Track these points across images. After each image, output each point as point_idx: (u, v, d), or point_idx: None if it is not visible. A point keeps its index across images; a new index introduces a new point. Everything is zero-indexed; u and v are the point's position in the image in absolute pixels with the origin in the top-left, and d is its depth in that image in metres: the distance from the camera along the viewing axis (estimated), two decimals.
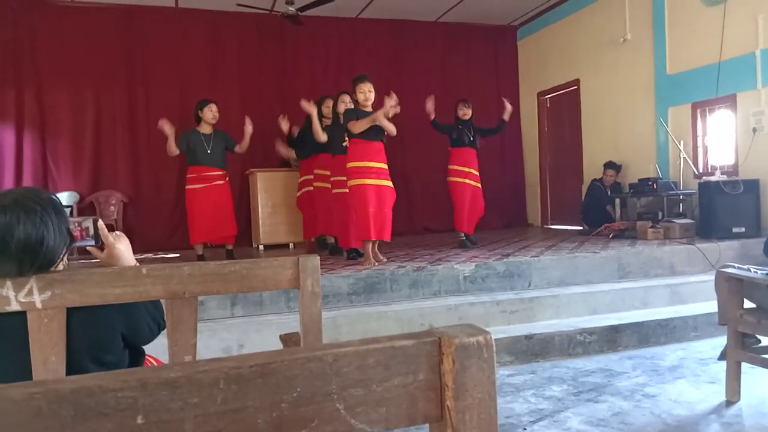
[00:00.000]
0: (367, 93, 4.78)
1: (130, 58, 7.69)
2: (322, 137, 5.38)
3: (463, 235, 6.08)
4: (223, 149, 5.83)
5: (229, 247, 6.01)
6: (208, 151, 5.67)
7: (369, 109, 4.86)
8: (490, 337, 0.64)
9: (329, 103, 5.68)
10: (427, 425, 0.66)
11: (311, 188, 6.04)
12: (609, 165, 7.19)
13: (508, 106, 6.15)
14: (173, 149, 5.60)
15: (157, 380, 0.55)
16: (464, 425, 0.63)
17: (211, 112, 5.70)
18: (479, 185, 6.02)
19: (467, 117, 6.01)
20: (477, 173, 6.01)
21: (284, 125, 6.05)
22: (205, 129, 5.73)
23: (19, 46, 7.26)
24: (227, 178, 5.93)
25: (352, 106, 5.14)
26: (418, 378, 0.64)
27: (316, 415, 0.60)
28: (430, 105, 5.82)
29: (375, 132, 4.83)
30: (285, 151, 6.31)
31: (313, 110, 5.37)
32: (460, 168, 5.96)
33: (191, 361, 1.48)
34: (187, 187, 5.79)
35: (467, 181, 5.95)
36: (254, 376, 0.58)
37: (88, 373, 0.58)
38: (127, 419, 0.54)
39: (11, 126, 7.24)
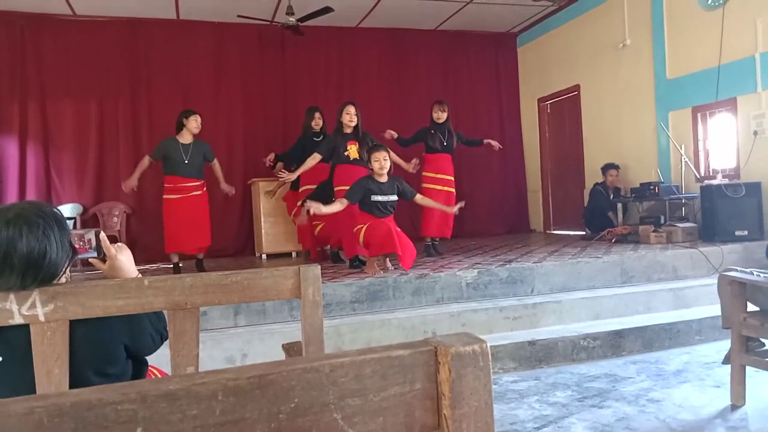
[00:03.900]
0: (382, 161, 4.78)
1: (133, 71, 7.73)
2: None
3: (429, 240, 6.03)
4: (202, 160, 5.75)
5: (200, 256, 5.93)
6: (186, 161, 5.59)
7: (382, 178, 4.83)
8: (486, 346, 0.65)
9: (351, 109, 5.48)
10: None
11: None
12: (609, 166, 7.13)
13: (495, 145, 6.29)
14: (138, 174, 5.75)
15: (157, 393, 0.55)
16: None
17: (196, 122, 5.64)
18: (453, 190, 5.98)
19: (441, 120, 5.96)
20: (451, 178, 5.99)
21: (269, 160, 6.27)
22: (186, 138, 5.64)
23: (24, 59, 7.31)
24: (205, 189, 5.84)
25: (356, 117, 5.28)
26: (414, 387, 0.64)
27: (313, 425, 0.61)
28: (387, 134, 5.95)
29: (385, 209, 4.87)
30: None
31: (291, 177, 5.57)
32: (433, 175, 5.94)
33: (190, 373, 1.49)
34: (164, 196, 5.72)
35: (439, 187, 5.90)
36: (252, 388, 0.58)
37: (90, 385, 0.59)
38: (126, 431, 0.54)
39: (15, 139, 7.27)
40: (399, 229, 4.78)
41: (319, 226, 5.95)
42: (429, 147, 5.98)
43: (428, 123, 6.07)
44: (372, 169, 4.82)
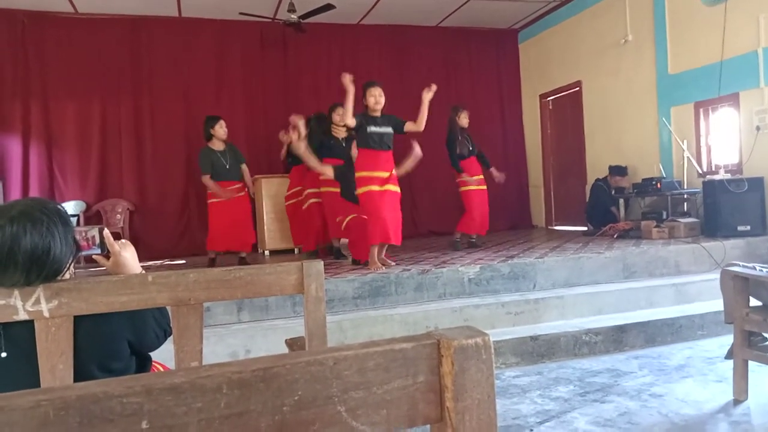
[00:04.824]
0: (377, 97, 4.80)
1: (136, 68, 7.74)
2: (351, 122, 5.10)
3: (459, 236, 6.24)
4: (238, 162, 6.01)
5: (243, 254, 6.13)
6: (227, 167, 5.87)
7: (377, 114, 4.85)
8: (489, 339, 0.65)
9: (341, 110, 5.61)
10: (428, 426, 0.67)
11: (298, 199, 6.32)
12: (616, 171, 7.07)
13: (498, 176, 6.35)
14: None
15: (162, 386, 0.56)
16: (464, 426, 0.64)
17: (222, 129, 5.87)
18: (485, 186, 6.23)
19: (466, 125, 6.20)
20: (482, 176, 6.23)
21: (287, 137, 6.13)
22: (219, 145, 5.89)
23: (27, 57, 7.32)
24: (246, 189, 6.11)
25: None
26: (417, 380, 0.65)
27: (317, 418, 0.61)
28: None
29: (381, 141, 4.85)
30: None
31: (300, 124, 5.53)
32: (469, 178, 6.14)
33: (195, 366, 1.49)
34: (211, 201, 5.97)
35: (474, 187, 6.13)
36: (256, 381, 0.59)
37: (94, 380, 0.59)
38: (132, 425, 0.55)
39: (18, 136, 7.29)
40: (397, 213, 4.87)
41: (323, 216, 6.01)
42: (461, 155, 6.14)
43: (440, 129, 6.24)
44: (367, 105, 4.85)
